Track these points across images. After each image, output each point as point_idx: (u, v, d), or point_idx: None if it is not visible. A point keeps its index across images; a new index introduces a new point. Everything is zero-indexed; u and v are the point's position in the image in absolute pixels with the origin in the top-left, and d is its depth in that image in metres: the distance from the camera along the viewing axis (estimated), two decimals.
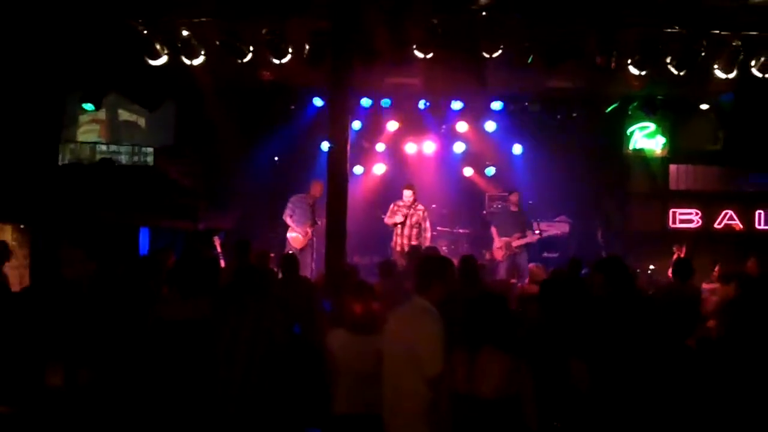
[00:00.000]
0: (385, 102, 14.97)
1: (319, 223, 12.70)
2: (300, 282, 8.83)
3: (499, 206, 14.80)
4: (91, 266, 7.73)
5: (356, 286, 5.97)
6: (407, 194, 12.91)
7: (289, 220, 13.06)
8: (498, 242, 13.41)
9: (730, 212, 15.29)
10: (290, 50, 11.46)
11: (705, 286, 9.97)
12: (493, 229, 13.65)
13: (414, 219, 12.86)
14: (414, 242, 12.59)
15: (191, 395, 5.62)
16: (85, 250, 7.82)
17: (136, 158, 14.20)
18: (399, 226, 12.84)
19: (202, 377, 5.52)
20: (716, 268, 10.39)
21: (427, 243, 12.90)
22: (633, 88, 13.09)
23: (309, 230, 13.04)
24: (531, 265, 11.25)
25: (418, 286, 5.29)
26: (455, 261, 13.46)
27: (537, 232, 13.25)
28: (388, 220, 13.08)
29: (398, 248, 12.80)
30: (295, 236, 13.04)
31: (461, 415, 4.76)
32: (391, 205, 13.16)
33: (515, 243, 13.20)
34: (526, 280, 11.24)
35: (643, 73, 11.69)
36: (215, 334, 5.53)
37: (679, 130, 15.58)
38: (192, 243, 12.72)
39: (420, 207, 13.01)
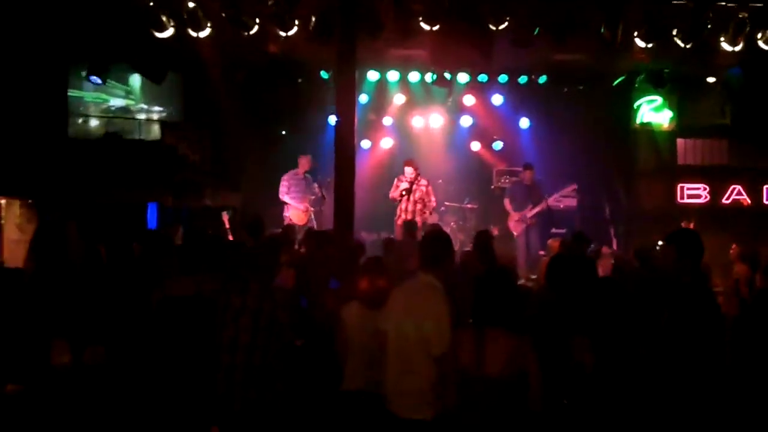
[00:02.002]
0: (392, 75, 14.90)
1: (326, 198, 12.72)
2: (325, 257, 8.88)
3: (513, 180, 14.79)
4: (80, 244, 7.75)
5: (370, 261, 6.01)
6: (408, 171, 12.91)
7: (286, 198, 13.10)
8: (513, 215, 13.49)
9: (738, 187, 15.22)
10: (296, 23, 11.39)
11: None
12: (507, 203, 13.73)
13: (417, 195, 12.86)
14: (417, 218, 12.60)
15: (196, 376, 5.65)
16: (80, 224, 7.83)
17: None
18: (403, 201, 12.82)
19: (207, 359, 5.53)
20: (733, 247, 10.40)
21: (430, 215, 12.97)
22: (640, 61, 13.01)
23: (308, 205, 13.08)
24: (550, 240, 11.27)
25: (424, 262, 5.30)
26: (462, 236, 13.79)
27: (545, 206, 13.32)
28: (393, 193, 13.06)
29: (401, 223, 12.81)
30: (295, 213, 13.05)
31: (468, 393, 4.77)
32: (395, 180, 13.18)
33: (530, 214, 13.29)
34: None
35: (650, 45, 11.61)
36: (217, 319, 5.53)
37: (686, 104, 15.51)
38: (198, 219, 12.74)
39: (423, 182, 13.01)
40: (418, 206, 12.86)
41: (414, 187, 12.85)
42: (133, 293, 6.35)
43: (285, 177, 13.23)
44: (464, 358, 4.77)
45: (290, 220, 12.96)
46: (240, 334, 5.38)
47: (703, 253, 4.96)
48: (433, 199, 13.03)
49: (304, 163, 13.36)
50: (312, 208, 13.18)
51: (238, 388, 5.33)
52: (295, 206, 13.07)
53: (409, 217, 12.67)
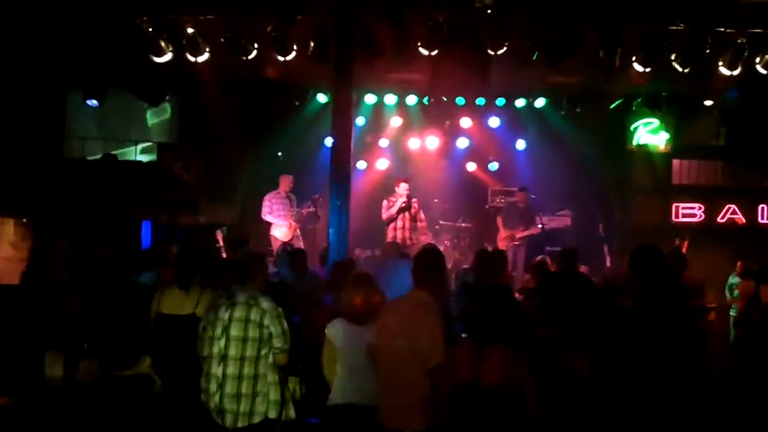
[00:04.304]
0: (389, 98, 14.97)
1: (320, 217, 12.77)
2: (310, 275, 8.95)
3: (508, 200, 14.87)
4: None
5: (356, 277, 5.99)
6: (404, 186, 12.80)
7: (269, 217, 13.09)
8: (503, 233, 13.61)
9: (733, 207, 15.30)
10: (294, 47, 11.48)
11: None
12: (499, 220, 13.91)
13: (412, 211, 12.84)
14: (413, 235, 12.61)
15: (190, 390, 5.66)
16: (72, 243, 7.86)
17: None
18: (399, 218, 12.75)
19: (198, 372, 5.56)
20: (738, 264, 10.44)
21: (424, 235, 13.01)
22: (637, 85, 13.09)
23: (293, 222, 13.08)
24: (540, 257, 11.29)
25: (417, 279, 5.35)
26: (457, 254, 13.83)
27: (540, 225, 13.41)
28: (390, 210, 12.84)
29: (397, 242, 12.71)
30: (280, 231, 13.05)
31: (463, 405, 4.79)
32: (384, 202, 13.01)
33: (519, 235, 13.46)
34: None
35: (648, 69, 11.68)
36: (207, 331, 5.57)
37: (682, 126, 15.58)
38: (192, 237, 12.75)
39: (414, 200, 12.95)
40: (411, 224, 12.81)
41: (410, 203, 12.80)
42: (127, 309, 6.37)
43: (267, 197, 13.18)
44: (461, 371, 4.80)
45: (275, 238, 12.98)
46: (229, 345, 5.42)
47: (655, 272, 5.02)
48: (423, 217, 13.02)
49: (285, 182, 13.33)
50: (297, 224, 13.16)
51: (228, 400, 5.36)
52: (280, 224, 13.06)
53: (407, 234, 12.63)
